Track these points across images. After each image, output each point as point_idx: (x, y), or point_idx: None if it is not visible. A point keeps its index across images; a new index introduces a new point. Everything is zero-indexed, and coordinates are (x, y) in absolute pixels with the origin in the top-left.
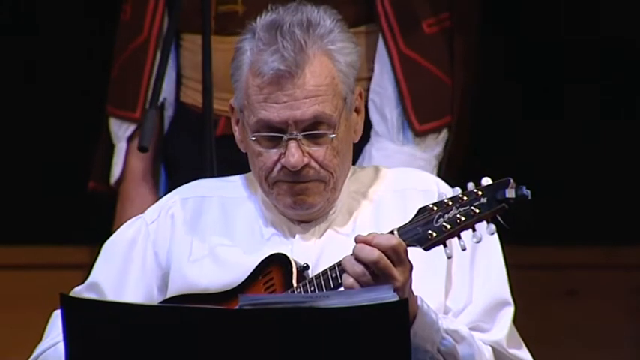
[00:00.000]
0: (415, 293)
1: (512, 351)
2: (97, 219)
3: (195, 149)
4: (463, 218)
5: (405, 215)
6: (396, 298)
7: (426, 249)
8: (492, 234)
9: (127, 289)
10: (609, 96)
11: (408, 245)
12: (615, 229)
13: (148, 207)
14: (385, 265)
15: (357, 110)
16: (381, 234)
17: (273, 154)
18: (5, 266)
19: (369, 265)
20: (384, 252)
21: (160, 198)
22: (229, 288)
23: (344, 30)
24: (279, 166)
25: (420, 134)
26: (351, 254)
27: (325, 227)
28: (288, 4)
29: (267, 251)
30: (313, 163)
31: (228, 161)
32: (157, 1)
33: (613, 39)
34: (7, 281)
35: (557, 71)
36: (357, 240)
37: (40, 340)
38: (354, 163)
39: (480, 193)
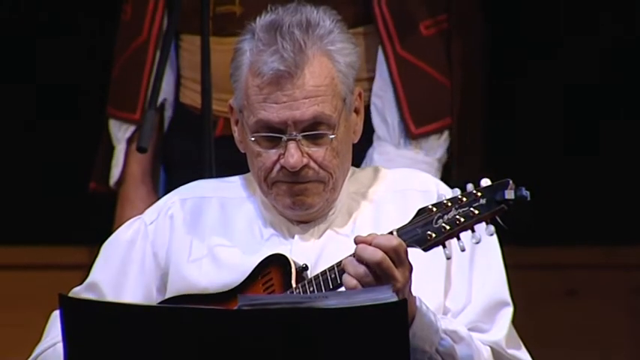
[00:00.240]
0: (414, 294)
1: (511, 351)
2: (96, 219)
3: (195, 150)
4: (462, 219)
5: (405, 216)
6: (395, 299)
7: (426, 250)
8: (491, 235)
9: (126, 289)
10: (609, 96)
11: (408, 246)
12: (615, 229)
13: (147, 208)
14: (388, 266)
15: (356, 111)
16: (381, 235)
17: (273, 154)
18: (5, 266)
19: (372, 266)
20: (387, 253)
21: (159, 199)
22: (228, 288)
23: (343, 30)
24: (278, 166)
25: (415, 137)
26: (352, 255)
27: (324, 228)
28: (288, 5)
29: (266, 252)
30: (312, 164)
31: (227, 162)
32: (157, 1)
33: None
34: (7, 281)
35: (557, 71)
36: (357, 241)
37: (39, 340)
38: (356, 167)
39: (479, 194)
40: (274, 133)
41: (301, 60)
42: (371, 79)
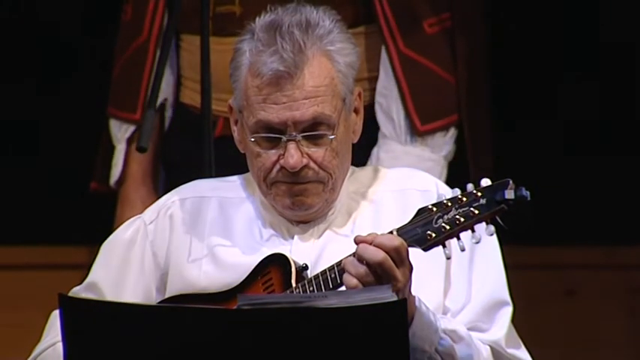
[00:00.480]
0: (414, 293)
1: (510, 351)
2: (96, 219)
3: (195, 150)
4: (462, 219)
5: (404, 215)
6: (395, 298)
7: (425, 250)
8: (491, 235)
9: (125, 289)
10: (609, 95)
11: (408, 246)
12: (614, 230)
13: (147, 208)
14: (389, 266)
15: (356, 111)
16: (382, 234)
17: (272, 154)
18: (4, 266)
19: (373, 266)
20: (388, 252)
21: (159, 198)
22: (228, 288)
23: (343, 31)
24: (278, 166)
25: (422, 134)
26: (353, 255)
27: (324, 228)
28: (287, 5)
29: (266, 252)
30: (312, 164)
31: (227, 162)
32: (157, 1)
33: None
34: (6, 281)
35: (556, 70)
36: (358, 240)
37: (39, 340)
38: (361, 166)
39: (479, 194)
40: (274, 134)
41: (301, 60)
42: (371, 79)
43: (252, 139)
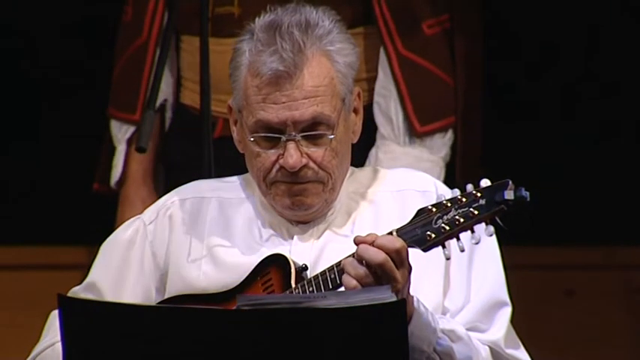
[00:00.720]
0: (413, 293)
1: (509, 351)
2: (95, 219)
3: (194, 150)
4: (462, 220)
5: (404, 216)
6: (394, 299)
7: (425, 250)
8: (491, 235)
9: (125, 289)
10: (609, 96)
11: (407, 247)
12: (614, 230)
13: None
14: (390, 267)
15: (355, 111)
16: (383, 235)
17: (272, 154)
18: (4, 266)
19: (373, 267)
20: (389, 254)
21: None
22: (227, 289)
23: (342, 31)
24: (277, 166)
25: (420, 135)
26: (352, 256)
27: (324, 228)
28: (287, 5)
29: (265, 252)
30: (312, 164)
31: (227, 162)
32: (157, 1)
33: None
34: (5, 281)
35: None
36: (357, 241)
37: (38, 340)
38: (360, 166)
39: (478, 194)
40: (273, 134)
41: (300, 60)
42: (370, 79)
43: (252, 139)
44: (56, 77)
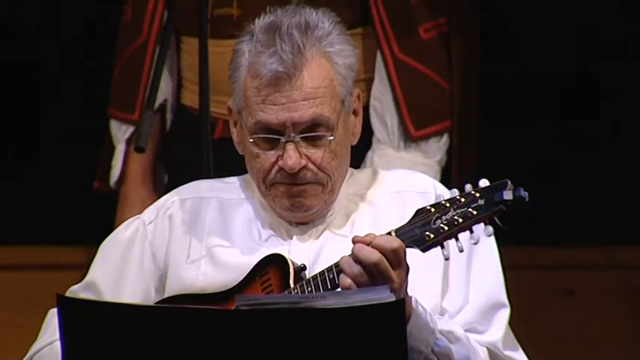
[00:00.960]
0: (411, 294)
1: (507, 353)
2: (95, 219)
3: (195, 151)
4: (461, 220)
5: (403, 217)
6: (393, 299)
7: (424, 250)
8: (490, 236)
9: (124, 289)
10: (609, 96)
11: (406, 247)
12: (614, 230)
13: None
14: (385, 267)
15: (355, 112)
16: (381, 235)
17: (271, 155)
18: (3, 266)
19: (368, 267)
20: (385, 254)
21: None
22: (226, 289)
23: (342, 32)
24: (276, 167)
25: (415, 139)
26: (349, 255)
27: (323, 229)
28: (287, 7)
29: (264, 252)
30: (311, 165)
31: (226, 164)
32: (157, 2)
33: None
34: (5, 281)
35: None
36: (355, 241)
37: (34, 340)
38: (356, 168)
39: (477, 194)
40: (273, 135)
41: (300, 61)
42: (368, 80)
43: (251, 140)
44: (56, 77)
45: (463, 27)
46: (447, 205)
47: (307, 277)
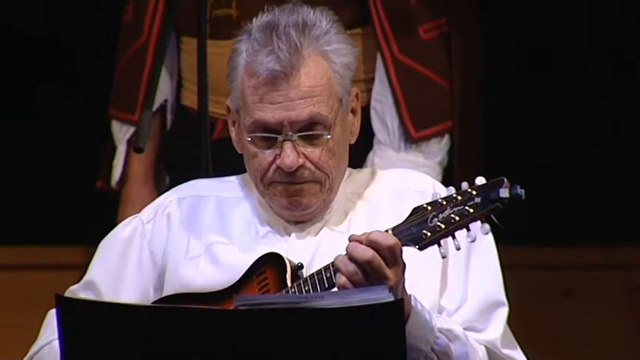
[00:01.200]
0: (409, 292)
1: (506, 351)
2: (95, 219)
3: (195, 151)
4: (457, 218)
5: (401, 216)
6: (392, 299)
7: (421, 249)
8: (487, 233)
9: (123, 288)
10: (609, 96)
11: (403, 245)
12: (614, 230)
13: None
14: (379, 264)
15: (353, 111)
16: (378, 232)
17: (269, 154)
18: (3, 266)
19: (362, 264)
20: (380, 251)
21: None
22: (224, 287)
23: (340, 31)
24: (274, 166)
25: (416, 141)
26: (345, 253)
27: (320, 227)
28: (285, 5)
29: (262, 251)
30: (308, 164)
31: (226, 164)
32: (157, 2)
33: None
34: (5, 281)
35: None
36: (351, 239)
37: (34, 340)
38: (357, 168)
39: (474, 192)
40: (270, 134)
41: (297, 60)
42: (368, 80)
43: (249, 139)
44: (56, 77)
45: (463, 27)
46: (444, 203)
47: (304, 275)
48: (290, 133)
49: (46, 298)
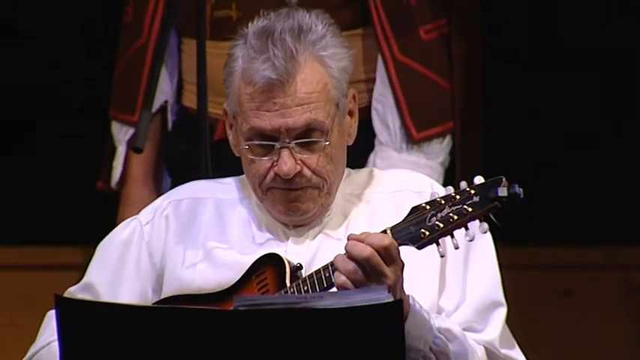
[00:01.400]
0: (408, 292)
1: (504, 351)
2: (95, 220)
3: (196, 152)
4: (456, 217)
5: (400, 216)
6: (391, 299)
7: (419, 248)
8: (485, 232)
9: (121, 290)
10: (609, 96)
11: (401, 244)
12: (614, 230)
13: None
14: (377, 262)
15: (350, 113)
16: (374, 233)
17: (266, 161)
18: (3, 266)
19: (361, 263)
20: (377, 251)
21: None
22: (223, 288)
23: (336, 35)
24: (272, 173)
25: (417, 141)
26: (344, 252)
27: (319, 229)
28: (280, 10)
29: (261, 253)
30: (306, 170)
31: (227, 165)
32: (157, 3)
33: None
34: (5, 281)
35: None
36: (350, 238)
37: (34, 340)
38: (358, 167)
39: (472, 191)
40: (267, 141)
41: (293, 67)
42: (369, 80)
43: (246, 147)
44: (57, 77)
45: (464, 28)
46: (442, 202)
47: (303, 275)
48: (287, 140)
49: (46, 298)
